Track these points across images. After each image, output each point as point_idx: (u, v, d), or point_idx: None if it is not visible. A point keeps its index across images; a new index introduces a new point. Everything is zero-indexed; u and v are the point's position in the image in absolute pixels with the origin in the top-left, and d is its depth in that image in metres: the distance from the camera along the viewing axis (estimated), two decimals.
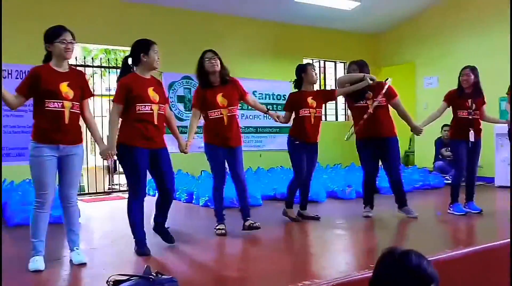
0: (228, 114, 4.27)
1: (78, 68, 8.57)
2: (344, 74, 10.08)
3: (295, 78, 5.04)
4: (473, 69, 5.28)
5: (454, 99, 5.33)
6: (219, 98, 4.27)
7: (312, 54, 9.59)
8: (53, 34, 3.27)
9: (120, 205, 6.17)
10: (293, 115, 5.00)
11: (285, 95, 8.44)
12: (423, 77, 9.49)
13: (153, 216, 4.43)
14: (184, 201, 6.51)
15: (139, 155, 3.62)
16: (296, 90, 5.07)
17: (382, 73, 10.50)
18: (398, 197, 5.22)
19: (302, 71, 4.97)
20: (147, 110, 3.62)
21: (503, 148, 7.75)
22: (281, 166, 8.38)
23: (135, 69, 3.76)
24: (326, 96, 5.18)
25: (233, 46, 8.60)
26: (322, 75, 9.96)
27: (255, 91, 8.81)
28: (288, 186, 5.06)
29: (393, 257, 1.58)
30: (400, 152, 5.33)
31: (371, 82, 4.92)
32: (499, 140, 7.78)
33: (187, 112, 7.97)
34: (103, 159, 3.70)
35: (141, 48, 3.70)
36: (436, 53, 9.27)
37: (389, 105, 5.21)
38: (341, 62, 10.13)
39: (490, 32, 8.49)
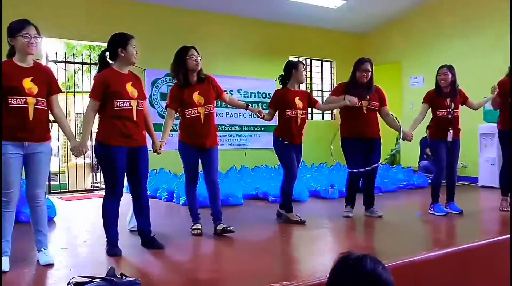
0: (205, 113, 4.18)
1: (60, 64, 8.61)
2: (332, 72, 10.11)
3: (282, 73, 4.94)
4: (450, 68, 5.27)
5: (433, 99, 5.32)
6: (196, 96, 4.16)
7: (298, 52, 9.52)
8: (16, 28, 3.17)
9: (101, 204, 6.06)
10: (277, 114, 4.92)
11: (271, 93, 8.32)
12: (409, 76, 9.47)
13: (128, 218, 4.39)
14: (165, 200, 6.43)
15: (118, 154, 3.54)
16: (281, 86, 4.97)
17: None
18: (370, 199, 5.20)
19: (293, 68, 4.86)
20: (125, 106, 3.54)
21: (487, 148, 7.76)
22: (265, 165, 8.34)
23: (112, 64, 3.67)
24: (310, 101, 5.04)
25: (218, 43, 8.54)
26: (308, 74, 9.89)
27: (240, 89, 8.75)
28: (281, 189, 4.92)
29: (347, 262, 1.52)
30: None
31: (348, 103, 4.84)
32: (483, 140, 7.78)
33: None
34: (74, 156, 3.60)
35: (118, 42, 3.60)
36: (422, 53, 9.25)
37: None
38: (327, 60, 10.09)
39: (476, 32, 8.48)
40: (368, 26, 9.93)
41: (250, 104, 4.85)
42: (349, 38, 10.05)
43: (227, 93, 4.81)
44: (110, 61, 3.67)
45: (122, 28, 3.79)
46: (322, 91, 9.99)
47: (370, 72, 5.00)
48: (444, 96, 5.26)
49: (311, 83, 9.85)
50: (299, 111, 4.80)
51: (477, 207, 6.09)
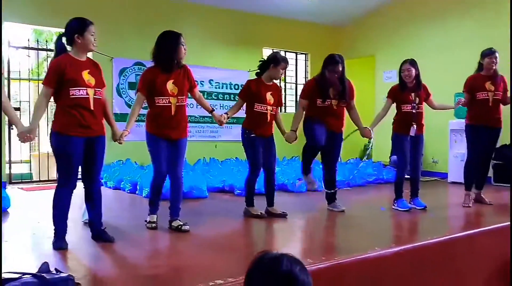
0: (177, 104, 4.00)
1: (31, 51, 8.34)
2: (306, 65, 10.01)
3: (260, 62, 4.75)
4: (413, 63, 5.23)
5: (397, 94, 5.28)
6: (170, 85, 3.97)
7: (273, 44, 9.41)
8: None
9: None
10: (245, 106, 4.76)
11: (243, 84, 8.21)
12: (382, 71, 9.42)
13: (83, 210, 4.23)
14: (128, 191, 6.28)
15: (74, 145, 3.41)
16: (256, 77, 4.79)
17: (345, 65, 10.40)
18: (333, 194, 5.14)
19: (273, 63, 4.63)
20: (82, 94, 3.40)
21: (456, 144, 7.76)
22: (236, 158, 8.23)
23: (70, 51, 3.50)
24: (279, 100, 4.82)
25: (189, 33, 8.26)
26: None
27: (212, 80, 8.60)
28: (245, 182, 4.80)
29: (263, 262, 1.42)
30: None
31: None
32: (453, 136, 7.79)
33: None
34: (21, 142, 3.45)
35: (76, 28, 3.45)
36: (396, 47, 9.20)
37: None
38: (302, 53, 9.98)
39: (450, 26, 8.46)
40: (343, 19, 9.85)
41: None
42: (324, 30, 9.96)
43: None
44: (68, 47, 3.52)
45: (88, 15, 3.63)
46: (296, 83, 9.90)
47: (340, 71, 4.87)
48: (409, 90, 5.23)
49: (285, 76, 9.72)
50: (269, 107, 4.64)
51: (443, 203, 6.06)
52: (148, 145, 4.11)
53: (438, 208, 5.50)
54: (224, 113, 4.60)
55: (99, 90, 3.51)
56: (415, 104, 5.22)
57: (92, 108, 3.44)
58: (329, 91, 4.85)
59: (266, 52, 9.64)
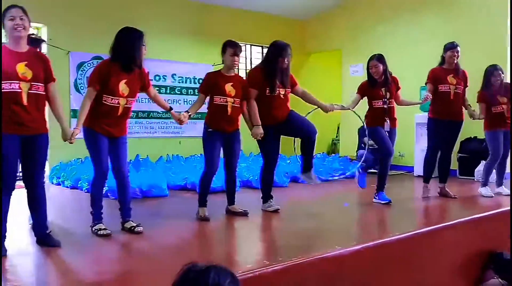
0: (125, 105, 3.75)
1: None
2: None
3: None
4: (380, 58, 5.18)
5: (367, 90, 5.20)
6: (122, 86, 3.69)
7: (238, 37, 9.06)
8: None
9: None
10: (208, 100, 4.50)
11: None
12: (349, 64, 9.34)
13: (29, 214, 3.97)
14: (86, 190, 6.00)
15: (8, 143, 3.15)
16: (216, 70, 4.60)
17: (311, 59, 10.32)
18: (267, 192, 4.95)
19: (222, 50, 4.41)
20: (13, 88, 3.14)
21: (422, 137, 7.72)
22: (201, 154, 8.00)
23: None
24: (245, 92, 4.52)
25: (150, 25, 7.98)
26: (249, 60, 9.61)
27: (175, 75, 8.36)
28: (199, 180, 4.53)
29: (189, 275, 1.25)
30: None
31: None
32: (419, 129, 7.76)
33: None
34: None
35: None
36: (363, 40, 9.13)
37: None
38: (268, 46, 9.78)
39: (417, 20, 8.42)
40: (310, 12, 9.73)
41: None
42: (291, 24, 9.82)
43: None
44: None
45: (41, 6, 3.35)
46: None
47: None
48: (379, 86, 5.16)
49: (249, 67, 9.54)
50: (229, 99, 4.35)
51: (408, 197, 5.97)
52: (86, 140, 3.78)
53: (402, 202, 5.43)
54: (185, 112, 4.32)
55: (37, 85, 3.25)
56: (386, 99, 5.16)
57: (25, 103, 3.19)
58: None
59: None
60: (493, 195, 5.65)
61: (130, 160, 7.27)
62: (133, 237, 3.72)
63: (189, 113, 4.31)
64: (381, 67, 5.09)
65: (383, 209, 5.01)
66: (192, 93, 8.46)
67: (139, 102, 7.98)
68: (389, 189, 5.57)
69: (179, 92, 8.33)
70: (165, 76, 8.08)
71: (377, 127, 5.16)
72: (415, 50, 8.26)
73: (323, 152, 8.78)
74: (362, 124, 8.54)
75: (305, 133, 4.68)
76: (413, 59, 8.13)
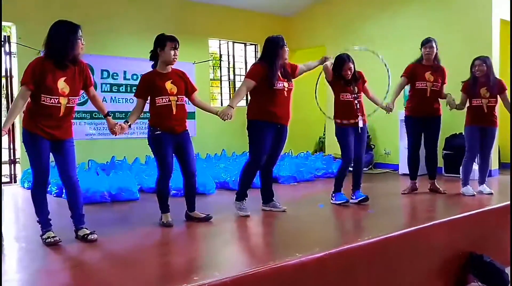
0: (67, 105, 3.51)
1: None
2: (256, 56, 9.63)
3: (150, 52, 4.18)
4: (349, 58, 4.98)
5: (336, 82, 5.01)
6: (61, 84, 3.44)
7: (219, 34, 9.00)
8: None
9: None
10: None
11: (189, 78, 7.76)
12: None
13: None
14: (54, 195, 5.79)
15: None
16: (150, 70, 4.21)
17: (296, 56, 10.09)
18: (271, 192, 4.80)
19: (159, 46, 4.06)
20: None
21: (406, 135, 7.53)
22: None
23: None
24: (188, 86, 4.23)
25: (124, 23, 7.87)
26: (232, 57, 9.38)
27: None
28: (155, 186, 4.28)
29: None
30: None
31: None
32: (403, 126, 7.52)
33: None
34: None
35: None
36: (347, 36, 8.90)
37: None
38: (251, 44, 9.59)
39: (401, 15, 8.20)
40: (293, 9, 9.53)
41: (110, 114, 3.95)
42: (274, 20, 9.59)
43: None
44: None
45: (15, 6, 3.13)
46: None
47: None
48: (349, 84, 5.00)
49: (234, 68, 9.34)
50: (172, 97, 4.04)
51: (388, 197, 5.72)
52: (24, 144, 3.53)
53: (380, 202, 5.23)
54: (125, 122, 4.00)
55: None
56: (356, 95, 4.99)
57: None
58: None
59: (212, 43, 9.25)
60: (475, 194, 5.46)
61: (107, 162, 7.09)
62: (84, 246, 3.51)
63: (128, 123, 4.01)
64: (352, 67, 4.95)
65: (360, 210, 4.81)
66: None
67: (116, 102, 7.80)
68: (371, 188, 5.41)
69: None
70: (137, 75, 7.83)
71: (348, 130, 4.96)
72: (399, 46, 8.04)
73: (307, 151, 8.57)
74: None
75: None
76: (398, 55, 7.87)
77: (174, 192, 5.47)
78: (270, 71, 4.41)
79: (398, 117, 7.55)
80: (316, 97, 5.59)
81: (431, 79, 5.30)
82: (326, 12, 9.25)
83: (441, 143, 7.53)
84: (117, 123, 3.91)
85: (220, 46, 9.13)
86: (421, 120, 5.33)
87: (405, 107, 5.47)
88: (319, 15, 9.38)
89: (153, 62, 4.18)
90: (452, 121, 6.78)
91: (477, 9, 7.29)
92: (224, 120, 4.35)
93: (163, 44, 4.07)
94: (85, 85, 3.68)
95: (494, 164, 7.18)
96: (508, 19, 7.42)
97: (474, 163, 5.67)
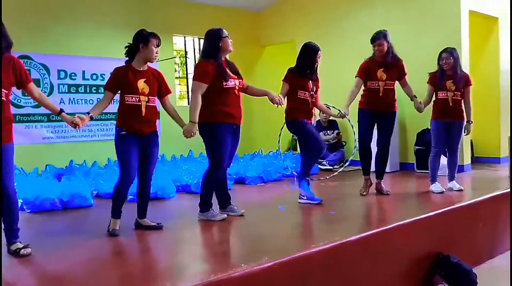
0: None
1: None
2: None
3: (127, 46, 3.92)
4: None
5: (295, 79, 4.77)
6: None
7: (184, 30, 8.68)
8: None
9: None
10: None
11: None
12: None
13: None
14: None
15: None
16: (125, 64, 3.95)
17: (266, 52, 9.87)
18: (227, 195, 4.54)
19: (143, 41, 3.81)
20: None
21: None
22: None
23: None
24: (163, 88, 4.01)
25: (86, 20, 7.51)
26: (198, 54, 9.07)
27: (109, 73, 7.79)
28: (113, 190, 3.97)
29: None
30: None
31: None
32: None
33: (25, 97, 6.81)
34: None
35: None
36: (318, 30, 8.66)
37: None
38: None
39: (369, 8, 7.97)
40: (262, 3, 9.26)
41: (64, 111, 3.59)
42: (242, 15, 9.31)
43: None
44: None
45: None
46: None
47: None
48: (306, 77, 4.76)
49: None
50: (143, 98, 3.80)
51: (355, 197, 5.47)
52: None
53: (344, 203, 5.00)
54: (86, 113, 3.74)
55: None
56: (313, 93, 4.80)
57: None
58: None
59: (177, 40, 8.94)
60: (444, 191, 5.26)
61: (66, 166, 6.75)
62: (15, 263, 3.20)
63: (90, 115, 3.73)
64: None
65: (325, 211, 4.58)
66: None
67: (75, 103, 7.46)
68: (338, 187, 5.20)
69: None
70: (104, 74, 7.51)
71: (303, 121, 4.74)
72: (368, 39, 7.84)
73: (277, 150, 8.31)
74: (317, 119, 8.30)
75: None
76: (367, 49, 7.71)
77: (131, 197, 5.18)
78: (218, 68, 4.14)
79: None
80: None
81: (383, 77, 5.06)
82: (297, 6, 9.00)
83: (412, 138, 7.41)
84: (77, 116, 3.64)
85: (185, 42, 8.81)
86: (374, 114, 5.13)
87: (359, 102, 5.23)
88: (289, 9, 9.13)
89: (127, 59, 3.92)
90: (423, 116, 6.58)
91: (445, 0, 7.10)
92: (188, 137, 4.09)
93: (147, 40, 3.83)
94: (21, 82, 3.34)
95: (466, 159, 7.01)
96: (479, 10, 7.28)
97: (441, 158, 5.47)
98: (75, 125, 3.60)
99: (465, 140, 6.97)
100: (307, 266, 3.13)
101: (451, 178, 5.44)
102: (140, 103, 3.82)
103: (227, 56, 4.33)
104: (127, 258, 3.48)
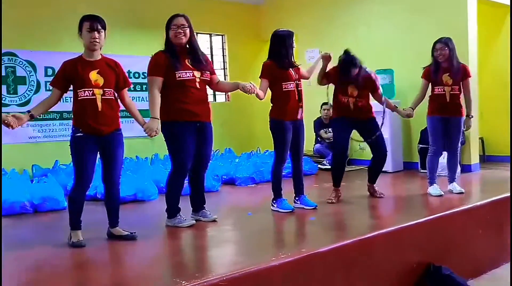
0: None
1: None
2: (224, 47, 9.01)
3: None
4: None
5: (274, 70, 4.39)
6: None
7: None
8: None
9: None
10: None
11: (144, 72, 7.12)
12: (305, 50, 8.49)
13: None
14: None
15: None
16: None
17: (266, 47, 9.45)
18: (202, 199, 4.20)
19: (79, 29, 3.51)
20: None
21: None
22: (136, 157, 7.26)
23: None
24: (120, 79, 3.63)
25: (70, 14, 7.21)
26: None
27: None
28: (68, 198, 3.63)
29: None
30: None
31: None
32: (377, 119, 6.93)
33: (10, 95, 6.61)
34: None
35: None
36: (319, 23, 8.29)
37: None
38: (217, 35, 8.95)
39: (375, 2, 7.54)
40: None
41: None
42: (240, 9, 8.95)
43: None
44: None
45: None
46: None
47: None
48: (285, 67, 4.38)
49: None
50: (97, 90, 3.43)
51: (347, 199, 5.07)
52: None
53: (327, 209, 4.55)
54: (27, 112, 3.41)
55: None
56: (297, 81, 4.40)
57: None
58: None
59: None
60: (443, 194, 4.84)
61: (49, 167, 6.52)
62: None
63: (30, 113, 3.39)
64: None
65: (300, 217, 4.21)
66: (132, 89, 7.66)
67: (64, 101, 7.20)
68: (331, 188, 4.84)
69: None
70: None
71: (284, 124, 4.34)
72: (370, 33, 7.44)
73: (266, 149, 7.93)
74: (318, 116, 7.91)
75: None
76: (369, 42, 7.31)
77: None
78: (171, 59, 3.80)
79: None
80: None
81: (354, 93, 4.67)
82: None
83: (415, 137, 6.97)
84: (9, 115, 3.30)
85: None
86: (348, 120, 4.75)
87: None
88: (290, 2, 8.74)
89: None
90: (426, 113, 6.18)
91: None
92: (152, 137, 3.75)
93: (80, 25, 3.52)
94: None
95: (473, 158, 6.52)
96: None
97: (440, 157, 5.05)
98: (7, 125, 3.24)
99: (473, 138, 6.50)
100: (264, 283, 2.78)
101: (451, 179, 5.01)
102: (94, 97, 3.45)
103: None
104: (88, 270, 3.14)
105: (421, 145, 6.68)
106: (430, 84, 4.94)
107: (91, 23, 3.50)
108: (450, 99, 4.78)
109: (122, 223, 3.75)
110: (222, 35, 8.93)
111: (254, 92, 3.98)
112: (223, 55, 8.94)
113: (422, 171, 6.63)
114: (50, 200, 4.84)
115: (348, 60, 4.58)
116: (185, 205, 4.14)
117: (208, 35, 8.84)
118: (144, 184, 5.28)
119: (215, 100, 8.86)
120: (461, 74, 4.79)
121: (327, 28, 8.01)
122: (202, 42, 8.82)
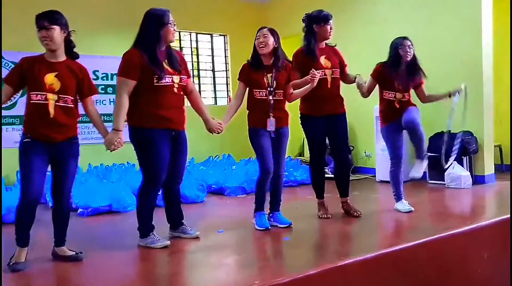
0: None
1: None
2: (226, 48, 8.62)
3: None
4: (272, 30, 4.08)
5: (249, 73, 3.98)
6: None
7: (181, 25, 7.94)
8: None
9: None
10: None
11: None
12: None
13: None
14: None
15: None
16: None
17: None
18: (179, 214, 3.81)
19: (36, 24, 3.22)
20: None
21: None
22: (128, 162, 6.92)
23: None
24: (84, 84, 3.34)
25: (68, 16, 7.00)
26: (194, 50, 8.40)
27: (97, 71, 7.26)
28: (15, 212, 3.24)
29: None
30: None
31: None
32: (378, 125, 6.40)
33: None
34: None
35: None
36: None
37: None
38: (220, 35, 8.57)
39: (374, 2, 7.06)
40: None
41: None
42: (245, 8, 8.55)
43: None
44: None
45: None
46: (213, 70, 8.49)
47: None
48: (263, 70, 3.95)
49: (198, 62, 8.35)
50: (51, 95, 3.11)
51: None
52: None
53: (305, 228, 4.06)
54: None
55: None
56: (271, 89, 3.94)
57: None
58: None
59: None
60: (413, 210, 4.36)
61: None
62: None
63: None
64: (271, 39, 3.90)
65: (274, 236, 3.76)
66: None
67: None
68: (329, 202, 4.38)
69: (103, 91, 7.20)
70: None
71: (260, 132, 3.93)
72: (374, 32, 6.93)
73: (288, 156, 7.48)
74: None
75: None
76: (374, 42, 6.80)
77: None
78: (150, 61, 3.41)
79: (374, 113, 6.41)
80: None
81: (328, 65, 4.36)
82: None
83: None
84: None
85: (180, 37, 8.14)
86: (318, 119, 4.24)
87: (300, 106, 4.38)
88: (295, 1, 8.29)
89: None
90: (436, 118, 5.65)
91: None
92: (112, 151, 3.38)
93: (36, 24, 3.21)
94: None
95: (487, 169, 5.91)
96: None
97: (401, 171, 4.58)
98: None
99: (487, 145, 5.89)
100: None
101: (398, 197, 4.55)
102: (47, 102, 3.13)
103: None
104: None
105: (430, 154, 6.10)
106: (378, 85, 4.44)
107: (38, 21, 3.20)
108: (400, 105, 4.37)
109: (86, 237, 3.40)
110: (224, 35, 8.54)
111: (218, 133, 3.72)
112: (225, 56, 8.55)
113: (430, 182, 6.07)
114: (13, 211, 4.51)
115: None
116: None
117: (209, 35, 8.46)
118: (119, 193, 4.92)
119: (216, 103, 8.48)
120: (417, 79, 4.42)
121: (337, 26, 7.51)
122: (203, 43, 8.47)
